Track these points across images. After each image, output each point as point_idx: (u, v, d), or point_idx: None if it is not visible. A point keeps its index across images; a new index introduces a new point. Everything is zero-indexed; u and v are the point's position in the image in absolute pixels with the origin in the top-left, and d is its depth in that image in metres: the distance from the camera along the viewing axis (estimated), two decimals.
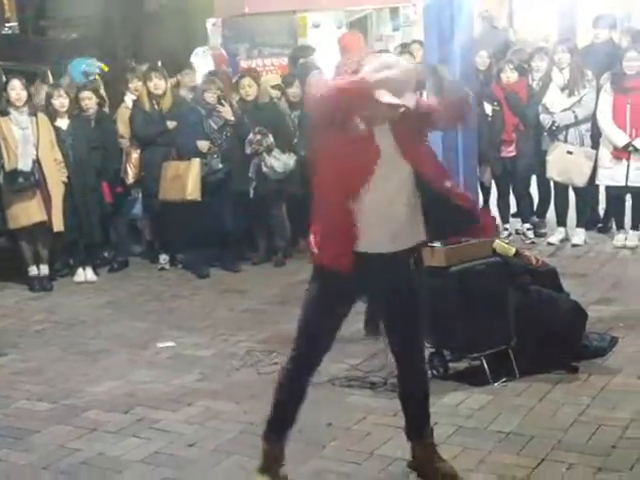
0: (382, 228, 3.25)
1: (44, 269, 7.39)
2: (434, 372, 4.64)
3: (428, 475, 3.52)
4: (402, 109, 3.15)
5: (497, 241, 4.94)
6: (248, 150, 7.38)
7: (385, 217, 3.25)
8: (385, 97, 3.08)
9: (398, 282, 3.36)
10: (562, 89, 7.29)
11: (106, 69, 8.91)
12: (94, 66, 8.84)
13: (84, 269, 7.53)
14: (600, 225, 7.78)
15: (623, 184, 7.09)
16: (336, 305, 3.36)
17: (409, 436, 3.61)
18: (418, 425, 3.60)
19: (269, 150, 7.36)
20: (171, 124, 7.53)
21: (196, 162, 7.28)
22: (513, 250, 4.86)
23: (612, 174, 7.15)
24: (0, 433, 4.28)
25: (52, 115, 7.34)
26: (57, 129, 7.34)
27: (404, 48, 9.14)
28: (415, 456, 3.59)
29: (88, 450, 4.06)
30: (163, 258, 7.82)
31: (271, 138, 7.37)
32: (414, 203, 3.31)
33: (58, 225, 7.28)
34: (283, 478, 3.50)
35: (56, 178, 7.27)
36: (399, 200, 3.27)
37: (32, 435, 4.26)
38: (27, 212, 7.16)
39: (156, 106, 7.59)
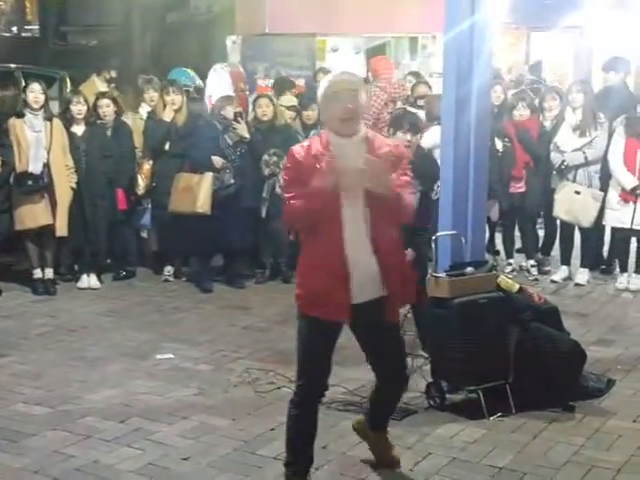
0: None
1: (49, 273, 7.42)
2: (430, 402, 4.67)
3: (385, 462, 3.95)
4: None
5: (502, 276, 4.98)
6: (266, 172, 7.42)
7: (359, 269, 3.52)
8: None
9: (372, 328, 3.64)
10: (574, 129, 7.34)
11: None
12: (192, 77, 9.31)
13: (88, 275, 7.56)
14: (603, 267, 7.81)
15: (629, 226, 7.12)
16: (324, 340, 3.58)
17: (372, 428, 3.95)
18: (384, 420, 3.96)
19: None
20: (186, 138, 7.58)
21: (209, 176, 7.33)
22: (517, 286, 4.89)
23: (619, 216, 7.19)
24: None
25: (69, 121, 7.42)
26: (72, 135, 7.39)
27: (419, 78, 9.23)
28: (372, 445, 3.97)
29: (82, 457, 4.08)
30: (167, 270, 7.85)
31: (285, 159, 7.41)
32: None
33: (62, 230, 7.32)
34: None
35: (65, 183, 7.31)
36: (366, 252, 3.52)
37: (27, 439, 4.28)
38: (34, 215, 7.21)
39: (172, 119, 7.65)
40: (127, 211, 7.73)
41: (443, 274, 4.68)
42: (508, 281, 4.91)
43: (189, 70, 9.42)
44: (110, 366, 5.43)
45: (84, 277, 7.56)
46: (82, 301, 7.13)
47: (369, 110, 8.05)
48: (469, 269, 4.75)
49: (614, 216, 7.23)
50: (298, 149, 3.58)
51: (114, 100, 7.72)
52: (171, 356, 5.63)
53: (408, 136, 5.29)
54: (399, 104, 8.52)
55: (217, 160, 7.35)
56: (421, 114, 6.99)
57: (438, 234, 5.04)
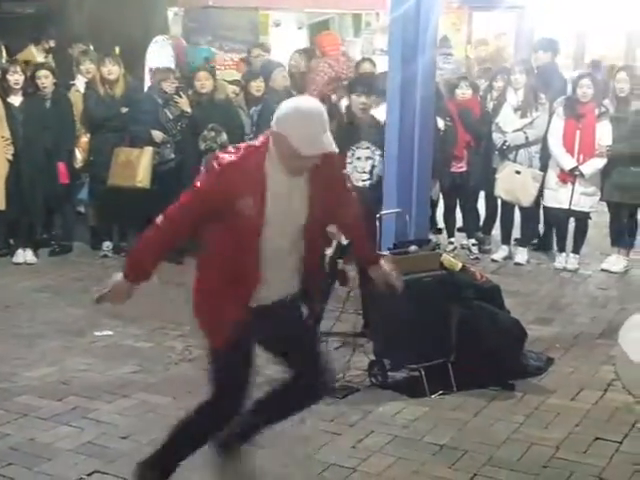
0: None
1: None
2: (373, 380, 4.68)
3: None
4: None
5: (445, 255, 5.00)
6: (202, 146, 7.33)
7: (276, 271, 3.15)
8: (306, 150, 2.96)
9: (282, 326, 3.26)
10: (515, 110, 7.42)
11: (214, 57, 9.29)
12: (212, 53, 9.68)
13: (24, 250, 7.38)
14: (535, 241, 7.91)
15: (567, 207, 7.23)
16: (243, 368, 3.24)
17: (233, 444, 3.39)
18: (252, 435, 3.43)
19: (223, 147, 7.31)
20: (124, 109, 7.45)
21: (149, 150, 7.23)
22: (459, 265, 4.92)
23: (557, 196, 7.29)
24: None
25: (5, 91, 7.19)
26: (9, 105, 7.18)
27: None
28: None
29: (18, 435, 4.00)
30: (106, 245, 7.71)
31: (225, 135, 7.33)
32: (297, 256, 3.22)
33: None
34: None
35: (1, 155, 7.11)
36: (289, 254, 3.18)
37: None
38: None
39: (109, 91, 7.50)
40: (67, 185, 7.56)
41: (387, 252, 4.67)
42: (451, 260, 4.94)
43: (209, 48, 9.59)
44: (47, 343, 5.32)
45: (20, 252, 7.38)
46: (18, 276, 6.96)
47: (313, 85, 7.99)
48: (413, 248, 4.75)
49: (552, 196, 7.33)
50: (225, 163, 3.02)
51: (53, 71, 7.52)
52: (110, 333, 5.53)
53: (363, 98, 5.32)
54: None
55: (157, 134, 7.25)
56: None
57: (382, 212, 5.04)
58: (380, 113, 6.40)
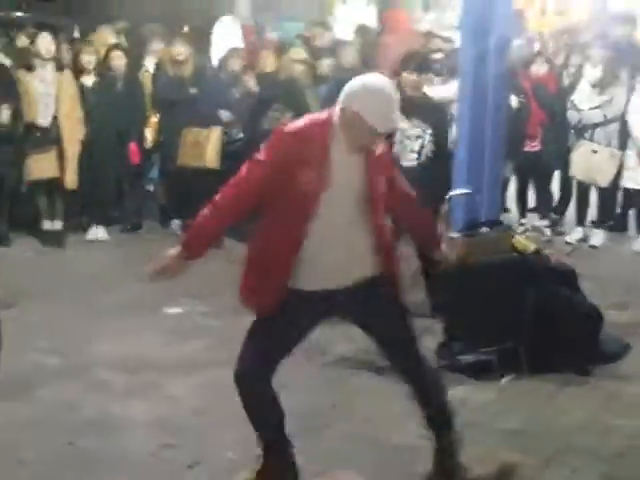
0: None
1: (57, 224, 7.39)
2: (442, 363, 4.61)
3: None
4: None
5: (517, 237, 4.90)
6: (266, 125, 7.32)
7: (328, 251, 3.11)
8: (381, 126, 2.98)
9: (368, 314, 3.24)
10: (593, 86, 7.19)
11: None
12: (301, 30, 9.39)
13: (97, 227, 7.52)
14: (612, 223, 7.68)
15: None
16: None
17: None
18: (439, 423, 3.43)
19: None
20: (193, 90, 7.49)
21: (217, 130, 7.26)
22: (532, 247, 4.81)
23: (636, 177, 7.08)
24: (6, 386, 4.25)
25: (78, 71, 7.29)
26: (82, 86, 7.29)
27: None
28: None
29: (92, 408, 4.07)
30: (175, 224, 7.79)
31: (289, 115, 7.30)
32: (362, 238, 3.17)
33: (71, 183, 7.28)
34: None
35: (73, 136, 7.23)
36: (347, 234, 3.12)
37: (38, 389, 4.27)
38: (42, 167, 7.14)
39: (178, 72, 7.55)
40: (138, 165, 7.65)
41: (457, 234, 4.60)
42: (524, 242, 4.83)
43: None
44: (119, 319, 5.39)
45: (92, 229, 7.51)
46: (91, 253, 7.10)
47: (383, 62, 7.88)
48: (484, 229, 4.67)
49: (631, 176, 7.11)
50: (287, 131, 3.07)
51: (125, 52, 7.60)
52: (180, 310, 5.59)
53: (414, 76, 5.24)
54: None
55: (224, 114, 7.26)
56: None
57: (452, 193, 4.95)
58: (437, 92, 6.31)
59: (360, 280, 3.18)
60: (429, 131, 5.27)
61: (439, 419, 3.40)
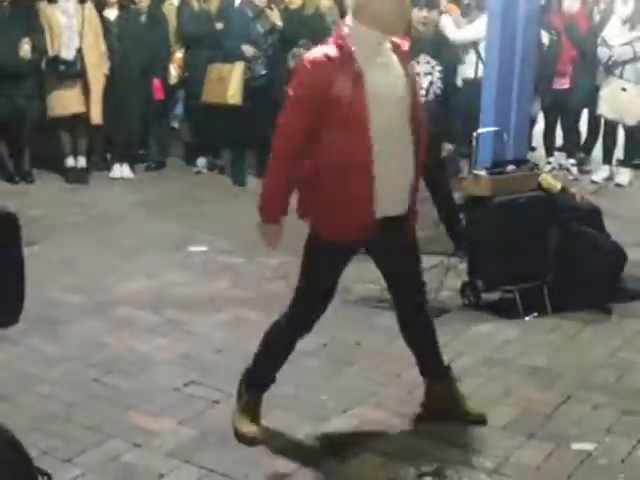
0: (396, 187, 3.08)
1: (81, 161, 7.40)
2: (465, 301, 4.63)
3: (450, 412, 3.39)
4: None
5: (544, 175, 4.85)
6: (292, 63, 7.22)
7: (399, 174, 3.06)
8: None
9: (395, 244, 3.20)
10: (624, 22, 7.03)
11: None
12: None
13: (121, 165, 7.53)
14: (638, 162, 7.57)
15: None
16: (340, 266, 3.20)
17: (430, 377, 3.45)
18: (435, 362, 3.44)
19: None
20: (219, 25, 7.40)
21: (239, 65, 7.17)
22: (559, 186, 4.77)
23: None
24: (31, 323, 4.30)
25: (102, 4, 7.21)
26: (104, 19, 7.22)
27: None
28: (431, 394, 3.44)
29: (117, 345, 4.12)
30: (200, 162, 7.78)
31: None
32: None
33: (97, 118, 7.26)
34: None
35: (98, 70, 7.20)
36: (402, 142, 3.06)
37: (63, 326, 4.32)
38: (66, 102, 7.13)
39: (203, 6, 7.45)
40: (163, 101, 7.61)
41: (483, 171, 4.55)
42: (550, 180, 4.78)
43: None
44: (143, 256, 5.44)
45: (117, 166, 7.52)
46: (115, 191, 7.12)
47: None
48: (510, 167, 4.62)
49: None
50: (309, 62, 2.98)
51: None
52: (205, 248, 5.61)
53: (424, 12, 5.21)
54: None
55: (247, 49, 7.17)
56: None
57: (480, 130, 4.88)
58: (465, 34, 6.20)
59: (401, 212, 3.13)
60: (438, 68, 5.22)
61: (430, 366, 3.42)
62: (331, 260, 3.17)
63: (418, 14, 5.22)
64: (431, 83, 5.23)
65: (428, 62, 5.23)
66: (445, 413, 3.40)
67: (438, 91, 5.22)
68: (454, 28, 6.75)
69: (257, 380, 3.33)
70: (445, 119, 5.20)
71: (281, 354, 3.33)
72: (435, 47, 5.29)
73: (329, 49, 3.00)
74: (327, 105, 2.94)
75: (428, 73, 5.24)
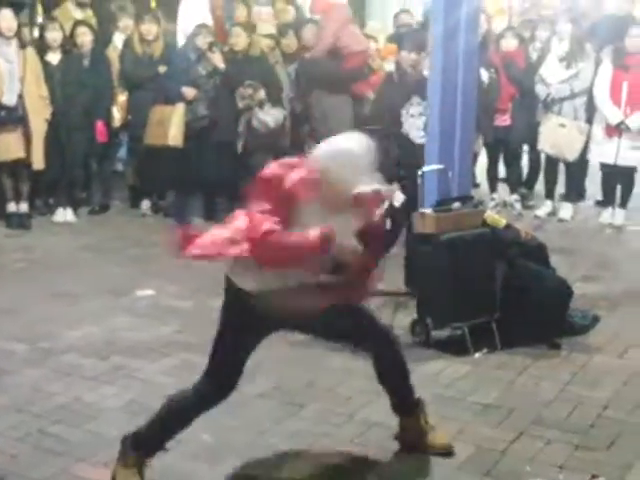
0: None
1: (23, 206, 7.28)
2: (415, 339, 4.63)
3: (419, 445, 3.44)
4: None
5: (488, 212, 4.91)
6: (241, 105, 7.24)
7: None
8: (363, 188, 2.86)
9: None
10: (560, 60, 7.21)
11: None
12: None
13: (64, 209, 7.43)
14: (598, 200, 7.68)
15: (612, 162, 7.05)
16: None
17: (402, 414, 3.48)
18: (403, 400, 3.47)
19: (261, 104, 7.22)
20: (162, 68, 7.39)
21: (180, 107, 7.17)
22: (504, 222, 4.82)
23: (603, 151, 7.11)
24: None
25: (43, 49, 7.16)
26: (47, 64, 7.16)
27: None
28: (404, 428, 3.48)
29: (64, 394, 4.01)
30: (145, 204, 7.72)
31: (263, 92, 7.23)
32: None
33: (38, 163, 7.17)
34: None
35: (39, 115, 7.12)
36: None
37: (7, 376, 4.21)
38: (8, 147, 7.03)
39: (147, 50, 7.44)
40: (106, 144, 7.55)
41: (429, 209, 4.59)
42: (495, 217, 4.84)
43: None
44: (89, 302, 5.34)
45: (60, 210, 7.42)
46: (58, 235, 7.01)
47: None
48: (456, 204, 4.67)
49: (598, 150, 7.15)
50: (270, 173, 2.94)
51: (92, 28, 7.47)
52: (152, 292, 5.54)
53: (413, 55, 5.32)
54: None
55: (188, 91, 7.17)
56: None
57: (424, 169, 4.94)
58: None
59: None
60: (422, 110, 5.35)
61: (403, 403, 3.44)
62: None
63: (407, 57, 5.32)
64: (427, 123, 5.34)
65: (419, 103, 5.38)
66: (413, 445, 3.43)
67: None
68: None
69: (148, 445, 3.22)
70: None
71: (184, 423, 3.25)
72: (424, 88, 5.35)
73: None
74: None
75: (422, 114, 5.47)
